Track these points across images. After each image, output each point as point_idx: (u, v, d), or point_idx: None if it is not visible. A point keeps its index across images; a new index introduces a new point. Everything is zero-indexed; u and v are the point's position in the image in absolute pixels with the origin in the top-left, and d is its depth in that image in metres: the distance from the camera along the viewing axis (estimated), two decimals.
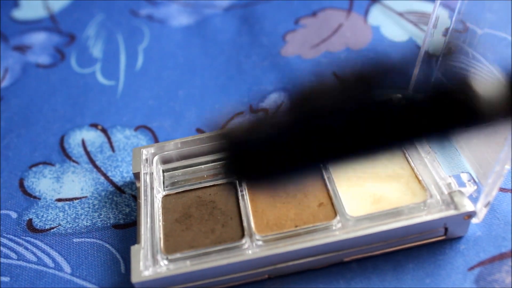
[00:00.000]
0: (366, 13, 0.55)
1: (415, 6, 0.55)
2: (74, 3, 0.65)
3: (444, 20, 0.53)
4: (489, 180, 0.34)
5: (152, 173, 0.40)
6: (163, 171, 0.42)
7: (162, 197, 0.39)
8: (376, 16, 0.55)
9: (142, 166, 0.40)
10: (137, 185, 0.40)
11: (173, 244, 0.36)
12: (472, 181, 0.36)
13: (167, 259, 0.35)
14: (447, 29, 0.51)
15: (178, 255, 0.35)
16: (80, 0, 0.65)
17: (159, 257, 0.35)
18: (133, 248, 0.35)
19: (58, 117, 0.50)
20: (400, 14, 0.54)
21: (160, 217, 0.38)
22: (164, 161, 0.42)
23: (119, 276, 0.37)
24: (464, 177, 0.37)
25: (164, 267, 0.35)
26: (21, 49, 0.59)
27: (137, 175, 0.40)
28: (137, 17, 0.61)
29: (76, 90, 0.53)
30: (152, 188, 0.39)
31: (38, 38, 0.60)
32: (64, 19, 0.63)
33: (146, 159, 0.41)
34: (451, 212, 0.34)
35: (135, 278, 0.34)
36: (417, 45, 0.51)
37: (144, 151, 0.41)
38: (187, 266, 0.34)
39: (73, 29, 0.61)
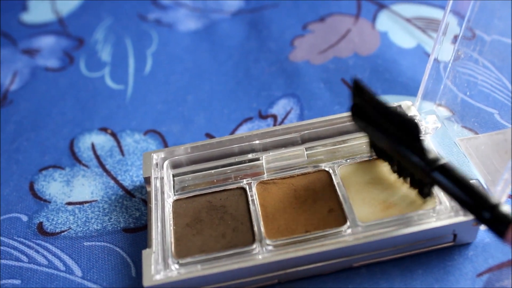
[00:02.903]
0: (374, 18, 0.56)
1: (423, 12, 0.55)
2: (82, 6, 0.65)
3: (453, 27, 0.53)
4: (498, 187, 0.34)
5: (163, 177, 0.40)
6: (173, 176, 0.42)
7: (173, 202, 0.40)
8: (384, 21, 0.55)
9: (152, 171, 0.40)
10: (148, 189, 0.40)
11: (184, 249, 0.36)
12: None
13: (178, 263, 0.35)
14: (456, 36, 0.51)
15: (189, 259, 0.35)
16: (88, 3, 0.65)
17: (170, 261, 0.35)
18: (145, 252, 0.36)
19: (68, 121, 0.50)
20: (408, 20, 0.55)
21: (171, 222, 0.38)
22: (174, 165, 0.42)
23: (129, 279, 0.37)
24: None
25: (175, 271, 0.35)
26: (30, 52, 0.59)
27: (147, 180, 0.40)
28: (145, 21, 0.61)
29: (85, 94, 0.53)
30: (162, 193, 0.39)
31: (46, 41, 0.61)
32: (72, 22, 0.63)
33: (157, 164, 0.41)
34: (460, 218, 0.35)
35: (146, 282, 0.34)
36: (425, 51, 0.51)
37: (155, 156, 0.42)
38: (198, 271, 0.35)
39: (82, 33, 0.61)
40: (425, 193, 0.35)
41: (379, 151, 0.39)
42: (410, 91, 0.48)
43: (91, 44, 0.59)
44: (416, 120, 0.33)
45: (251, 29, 0.58)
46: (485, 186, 0.36)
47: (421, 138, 0.33)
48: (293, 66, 0.52)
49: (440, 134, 0.42)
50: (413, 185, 0.37)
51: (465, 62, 0.41)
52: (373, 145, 0.39)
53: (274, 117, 0.48)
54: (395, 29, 0.54)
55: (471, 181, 0.32)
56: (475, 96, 0.41)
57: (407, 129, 0.33)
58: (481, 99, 0.41)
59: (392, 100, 0.47)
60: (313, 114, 0.47)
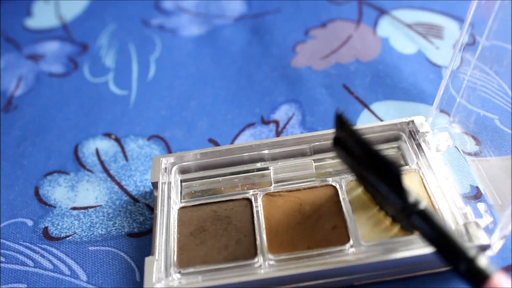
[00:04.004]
0: (375, 24, 0.56)
1: (424, 18, 0.56)
2: (86, 12, 0.66)
3: (454, 32, 0.54)
4: (507, 211, 0.33)
5: (170, 182, 0.41)
6: (181, 181, 0.42)
7: (179, 209, 0.40)
8: (385, 27, 0.56)
9: (160, 176, 0.41)
10: (155, 194, 0.40)
11: (186, 258, 0.37)
12: (489, 212, 0.36)
13: (179, 272, 0.36)
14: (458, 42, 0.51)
15: (190, 269, 0.36)
16: (92, 9, 0.66)
17: (172, 270, 0.36)
18: (147, 260, 0.36)
19: (72, 126, 0.51)
20: (409, 26, 0.55)
21: (175, 230, 0.38)
22: (183, 171, 0.42)
23: (134, 284, 0.38)
24: (481, 207, 0.36)
25: (176, 280, 0.35)
26: (34, 58, 0.60)
27: (155, 185, 0.41)
28: (148, 27, 0.62)
29: (89, 99, 0.54)
30: (169, 197, 0.40)
31: (51, 47, 0.61)
32: (76, 28, 0.64)
33: (165, 168, 0.42)
34: None
35: None
36: (426, 57, 0.51)
37: (164, 160, 0.42)
38: (199, 282, 0.35)
39: (86, 39, 0.61)
40: (407, 230, 0.35)
41: (361, 183, 0.38)
42: (411, 96, 0.48)
43: (95, 50, 0.60)
44: (396, 163, 0.32)
45: (254, 35, 0.59)
46: (493, 210, 0.36)
47: (402, 181, 0.32)
48: (295, 72, 0.53)
49: (452, 153, 0.42)
50: (394, 220, 0.36)
51: (464, 68, 0.41)
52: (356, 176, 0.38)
53: (276, 122, 0.48)
54: (396, 35, 0.55)
55: (449, 230, 0.31)
56: (474, 101, 0.41)
57: (388, 171, 0.32)
58: (481, 105, 0.41)
59: (397, 106, 0.47)
60: (315, 119, 0.48)
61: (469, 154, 0.41)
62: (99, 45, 0.60)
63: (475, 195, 0.40)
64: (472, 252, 0.30)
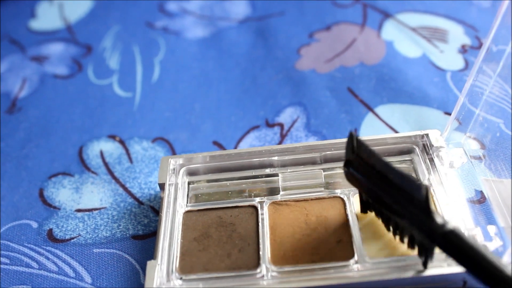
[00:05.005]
0: (379, 27, 0.56)
1: (428, 22, 0.56)
2: (90, 14, 0.66)
3: (459, 36, 0.54)
4: None
5: (177, 184, 0.41)
6: (188, 183, 0.42)
7: (184, 213, 0.40)
8: (390, 31, 0.56)
9: (168, 177, 0.41)
10: (161, 195, 0.40)
11: (188, 264, 0.36)
12: (499, 234, 0.35)
13: (181, 279, 0.35)
14: (463, 46, 0.52)
15: (192, 276, 0.35)
16: (96, 10, 0.66)
17: (173, 276, 0.36)
18: (149, 264, 0.36)
19: (76, 128, 0.51)
20: (414, 29, 0.55)
21: (180, 234, 0.38)
22: (191, 173, 0.42)
23: (139, 286, 0.38)
24: (491, 230, 0.35)
25: (177, 286, 0.35)
26: (39, 59, 0.60)
27: (162, 186, 0.40)
28: (152, 29, 0.62)
29: (94, 101, 0.54)
30: (175, 199, 0.40)
31: (55, 48, 0.61)
32: (80, 30, 0.64)
33: (173, 169, 0.41)
34: None
35: None
36: (430, 61, 0.51)
37: (172, 161, 0.42)
38: None
39: (90, 40, 0.62)
40: (426, 259, 0.33)
41: (372, 207, 0.37)
42: (416, 100, 0.48)
43: (99, 52, 0.60)
44: (423, 183, 0.31)
45: (258, 37, 0.59)
46: (503, 232, 0.35)
47: (430, 202, 0.30)
48: (300, 75, 0.53)
49: (465, 170, 0.41)
50: (411, 246, 0.34)
51: (483, 80, 0.40)
52: (363, 202, 0.37)
53: (281, 125, 0.48)
54: (400, 38, 0.55)
55: (482, 249, 0.30)
56: (480, 105, 0.41)
57: (415, 192, 0.31)
58: (486, 109, 0.41)
59: (401, 109, 0.47)
60: (319, 122, 0.48)
61: (474, 157, 0.41)
62: (103, 47, 0.60)
63: (479, 200, 0.40)
64: (509, 270, 0.29)
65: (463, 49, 0.52)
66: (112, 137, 0.49)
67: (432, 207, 0.31)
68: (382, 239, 0.36)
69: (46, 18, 0.67)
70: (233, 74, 0.55)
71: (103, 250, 0.41)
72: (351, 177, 0.36)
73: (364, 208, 0.37)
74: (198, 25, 0.62)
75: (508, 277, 0.28)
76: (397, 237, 0.35)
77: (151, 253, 0.39)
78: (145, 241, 0.41)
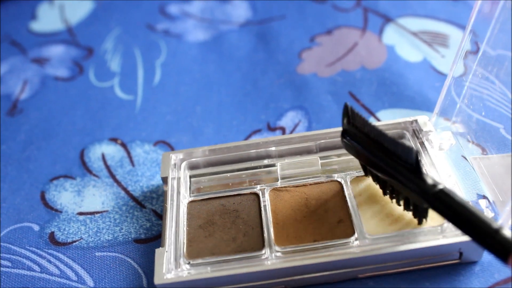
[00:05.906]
0: (380, 32, 0.56)
1: (429, 26, 0.56)
2: (91, 16, 0.66)
3: (459, 40, 0.54)
4: (507, 207, 0.34)
5: (180, 178, 0.42)
6: (190, 177, 0.43)
7: (188, 203, 0.41)
8: (391, 35, 0.56)
9: (170, 171, 0.42)
10: (165, 189, 0.41)
11: (195, 250, 0.37)
12: (490, 207, 0.37)
13: (189, 263, 0.36)
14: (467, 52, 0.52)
15: (199, 260, 0.37)
16: (97, 13, 0.66)
17: (181, 261, 0.36)
18: (157, 251, 0.37)
19: (78, 131, 0.51)
20: (414, 34, 0.55)
21: (185, 223, 0.39)
22: (192, 167, 0.43)
23: None
24: (483, 203, 0.37)
25: (185, 271, 0.36)
26: (40, 61, 0.60)
27: (165, 180, 0.41)
28: (154, 31, 0.62)
29: (95, 103, 0.54)
30: (178, 193, 0.41)
31: (56, 50, 0.61)
32: (81, 32, 0.64)
33: (175, 164, 0.42)
34: (467, 237, 0.34)
35: (157, 280, 0.35)
36: (431, 65, 0.52)
37: (173, 156, 0.43)
38: (208, 272, 0.36)
39: (91, 43, 0.62)
40: (420, 218, 0.36)
41: (370, 173, 0.39)
42: (417, 104, 0.48)
43: (100, 54, 0.60)
44: (413, 148, 0.34)
45: (259, 41, 0.59)
46: (494, 206, 0.37)
47: (421, 165, 0.34)
48: (301, 79, 0.53)
49: (454, 151, 0.42)
50: (407, 208, 0.37)
51: (469, 76, 0.41)
52: (364, 167, 0.39)
53: (283, 129, 0.48)
54: (401, 43, 0.55)
55: (470, 205, 0.32)
56: (480, 110, 0.41)
57: (406, 156, 0.34)
58: (487, 114, 0.41)
59: (402, 114, 0.48)
60: (321, 126, 0.48)
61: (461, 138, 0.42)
62: (104, 49, 0.60)
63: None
64: (495, 224, 0.31)
65: (464, 54, 0.52)
66: (114, 140, 0.50)
67: (423, 169, 0.34)
68: (380, 213, 0.38)
69: (46, 20, 0.67)
70: (234, 77, 0.55)
71: (105, 253, 0.41)
72: (348, 146, 0.38)
73: (366, 172, 0.39)
74: (199, 28, 0.62)
75: (493, 229, 0.30)
76: (394, 200, 0.38)
77: (153, 257, 0.39)
78: (147, 245, 0.41)
